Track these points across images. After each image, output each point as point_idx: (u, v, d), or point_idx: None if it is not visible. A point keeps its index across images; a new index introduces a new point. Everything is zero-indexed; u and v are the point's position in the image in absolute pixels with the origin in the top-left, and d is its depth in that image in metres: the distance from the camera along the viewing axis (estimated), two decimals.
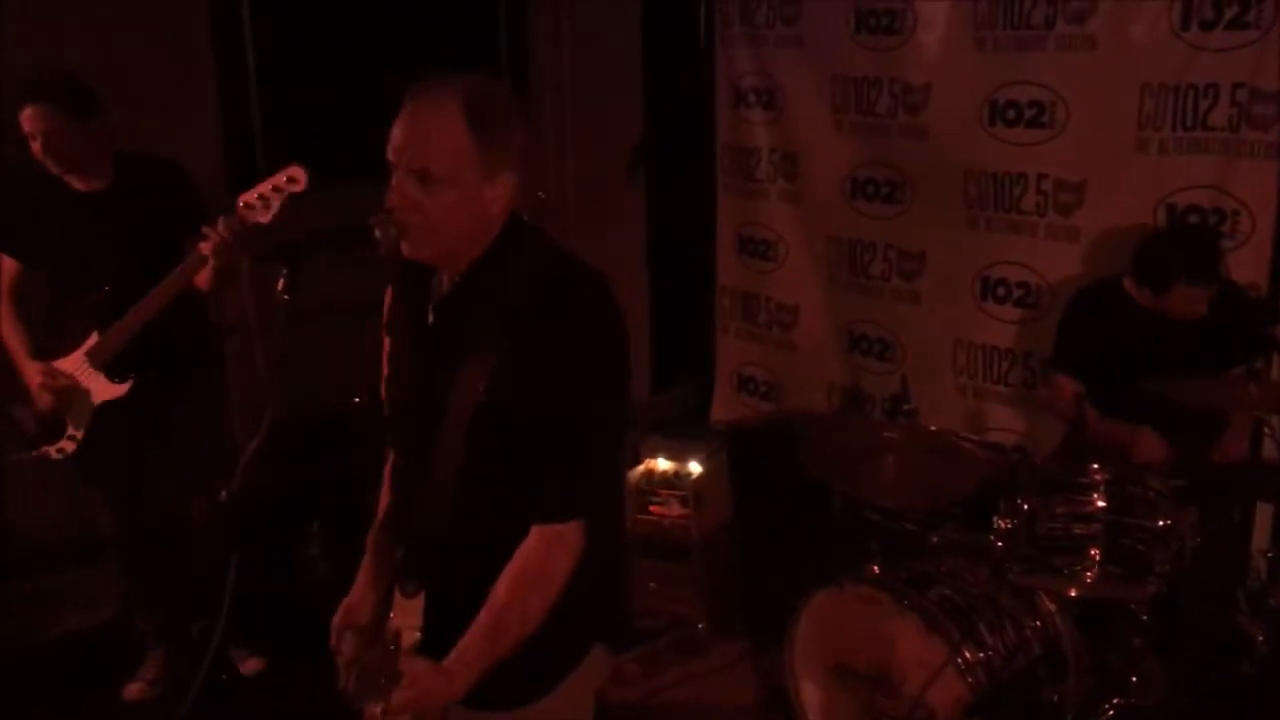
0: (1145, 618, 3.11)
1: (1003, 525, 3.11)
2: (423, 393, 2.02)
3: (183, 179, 3.57)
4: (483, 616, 1.90)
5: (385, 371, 2.10)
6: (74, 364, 3.41)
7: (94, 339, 3.39)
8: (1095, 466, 3.08)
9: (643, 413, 4.56)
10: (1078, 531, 3.06)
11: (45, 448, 3.49)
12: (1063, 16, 3.91)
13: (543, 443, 1.90)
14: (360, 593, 2.16)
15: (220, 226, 3.01)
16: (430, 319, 2.04)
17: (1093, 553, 3.03)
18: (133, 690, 3.81)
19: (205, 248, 3.05)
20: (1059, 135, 3.99)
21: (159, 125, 3.80)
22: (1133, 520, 3.03)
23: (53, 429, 3.46)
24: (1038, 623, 3.12)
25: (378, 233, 1.90)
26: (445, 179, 1.89)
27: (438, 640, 1.91)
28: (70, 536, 4.44)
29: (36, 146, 3.27)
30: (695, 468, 4.18)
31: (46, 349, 3.45)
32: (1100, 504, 3.04)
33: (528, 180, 2.00)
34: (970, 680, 2.97)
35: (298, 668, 2.20)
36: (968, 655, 2.98)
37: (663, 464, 4.20)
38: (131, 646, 3.94)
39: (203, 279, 3.26)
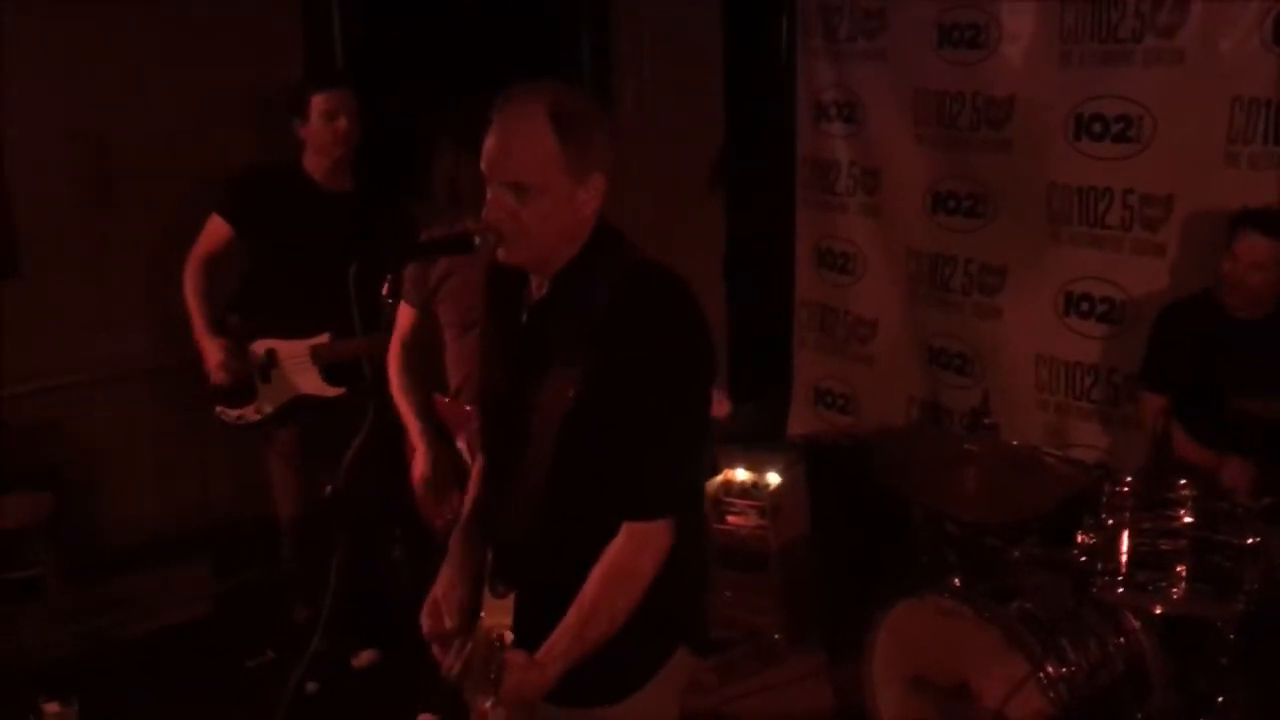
0: (1232, 636, 3.06)
1: (1087, 540, 3.09)
2: (513, 395, 2.08)
3: (405, 206, 3.79)
4: (572, 612, 1.95)
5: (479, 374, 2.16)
6: (294, 351, 3.64)
7: (324, 339, 3.61)
8: (1182, 482, 3.05)
9: (720, 425, 4.58)
10: (1164, 548, 3.02)
11: (225, 409, 3.69)
12: (1151, 30, 3.87)
13: (631, 443, 1.95)
14: (444, 588, 2.20)
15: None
16: (524, 322, 2.09)
17: (1179, 569, 3.00)
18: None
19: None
20: (1146, 149, 3.95)
21: (254, 139, 3.95)
22: (1220, 537, 2.98)
23: (242, 394, 3.65)
24: (1122, 639, 3.10)
25: (477, 240, 1.97)
26: (538, 188, 1.95)
27: (528, 640, 1.95)
28: (160, 536, 4.60)
29: (335, 127, 3.57)
30: (773, 479, 4.19)
31: (264, 326, 3.65)
32: (1187, 520, 3.00)
33: (613, 184, 2.06)
34: (1051, 696, 2.95)
35: (408, 662, 2.28)
36: (1050, 670, 2.96)
37: (741, 475, 4.23)
38: (225, 639, 4.07)
39: None
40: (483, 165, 1.98)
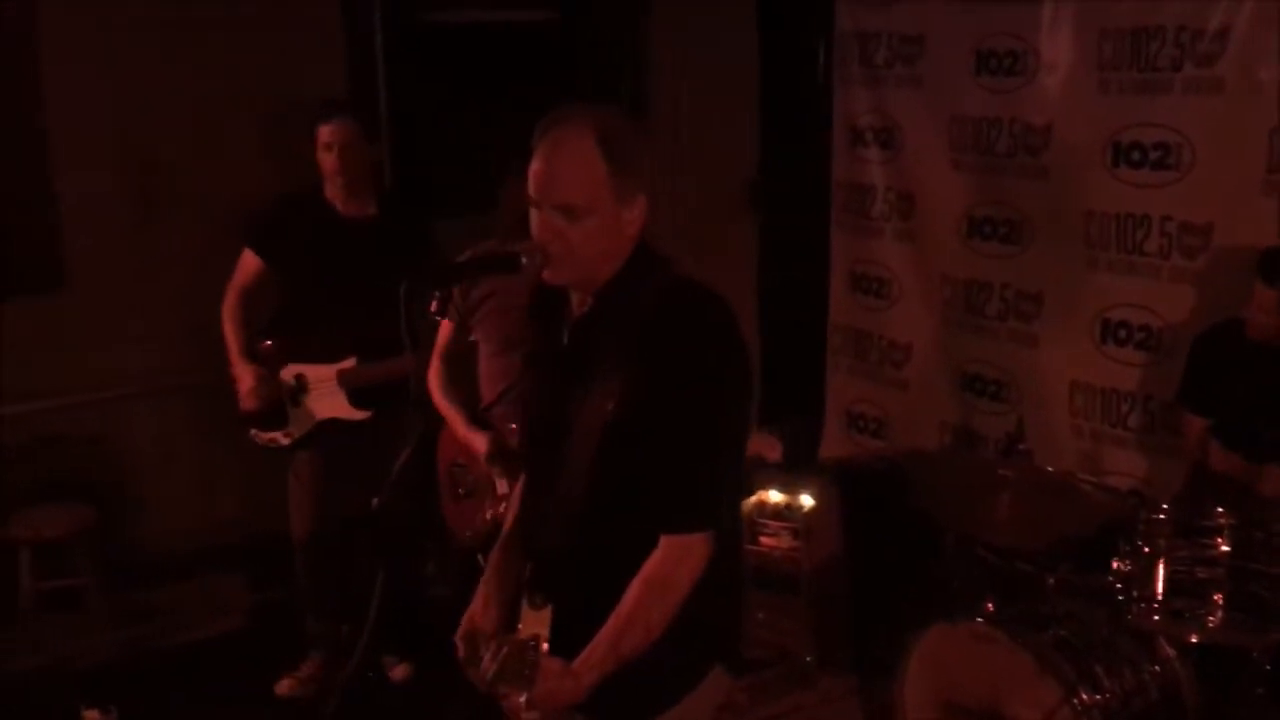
0: (1269, 667, 3.04)
1: (1123, 567, 3.09)
2: (555, 411, 2.11)
3: (428, 226, 3.89)
4: (609, 623, 1.97)
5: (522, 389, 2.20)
6: (321, 375, 3.72)
7: (351, 363, 3.69)
8: (1220, 510, 3.04)
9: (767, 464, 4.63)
10: (1200, 576, 3.01)
11: (258, 432, 3.79)
12: (1190, 59, 3.88)
13: (669, 457, 1.97)
14: (482, 605, 2.22)
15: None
16: (565, 339, 2.13)
17: (1216, 598, 2.99)
18: (284, 685, 3.99)
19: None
20: (1184, 177, 3.95)
21: (300, 159, 4.02)
22: (1258, 566, 2.97)
23: (273, 418, 3.76)
24: (1157, 668, 3.09)
25: (524, 259, 2.01)
26: (586, 209, 1.98)
27: (564, 652, 1.97)
28: (199, 548, 4.66)
29: (332, 158, 3.63)
30: (807, 501, 4.20)
31: (294, 352, 3.74)
32: (1224, 548, 2.99)
33: (666, 204, 2.10)
34: None
35: (442, 675, 2.30)
36: (1083, 697, 2.95)
37: (774, 496, 4.24)
38: (259, 653, 4.11)
39: None
40: (530, 188, 2.01)
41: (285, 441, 3.81)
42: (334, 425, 3.78)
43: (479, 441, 3.27)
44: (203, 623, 4.42)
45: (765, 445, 4.19)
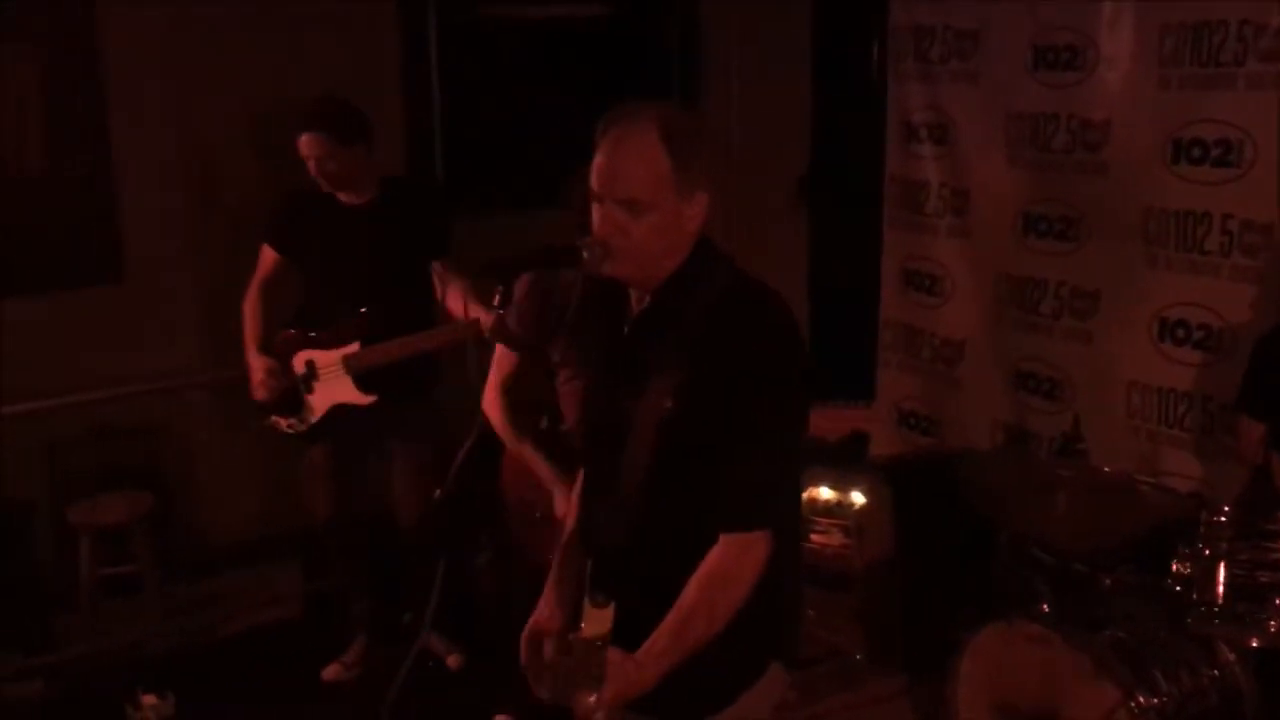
0: None
1: (1182, 570, 3.05)
2: (613, 406, 2.12)
3: (435, 201, 3.97)
4: (671, 614, 1.97)
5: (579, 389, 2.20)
6: (329, 360, 3.76)
7: (355, 348, 3.72)
8: None
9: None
10: (1262, 579, 2.97)
11: (277, 419, 3.87)
12: (1254, 54, 3.81)
13: (728, 454, 1.97)
14: (548, 608, 2.22)
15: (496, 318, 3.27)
16: (625, 334, 2.13)
17: (1277, 602, 2.94)
18: (331, 670, 4.07)
19: (484, 326, 3.41)
20: (1246, 174, 3.89)
21: None
22: None
23: (290, 404, 3.83)
24: (1216, 672, 3.04)
25: (585, 254, 2.01)
26: (650, 204, 1.98)
27: (627, 648, 1.97)
28: (256, 537, 4.72)
29: (311, 168, 3.69)
30: (858, 498, 4.19)
31: (305, 340, 3.81)
32: None
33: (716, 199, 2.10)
34: None
35: (494, 665, 2.33)
36: (1141, 700, 2.92)
37: (825, 493, 4.22)
38: (315, 641, 4.18)
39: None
40: (593, 182, 2.02)
41: (303, 427, 3.87)
42: (346, 413, 3.81)
43: (561, 499, 3.16)
44: (258, 611, 4.48)
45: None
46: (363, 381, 3.76)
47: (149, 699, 3.84)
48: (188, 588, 4.50)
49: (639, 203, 1.98)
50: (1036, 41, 4.45)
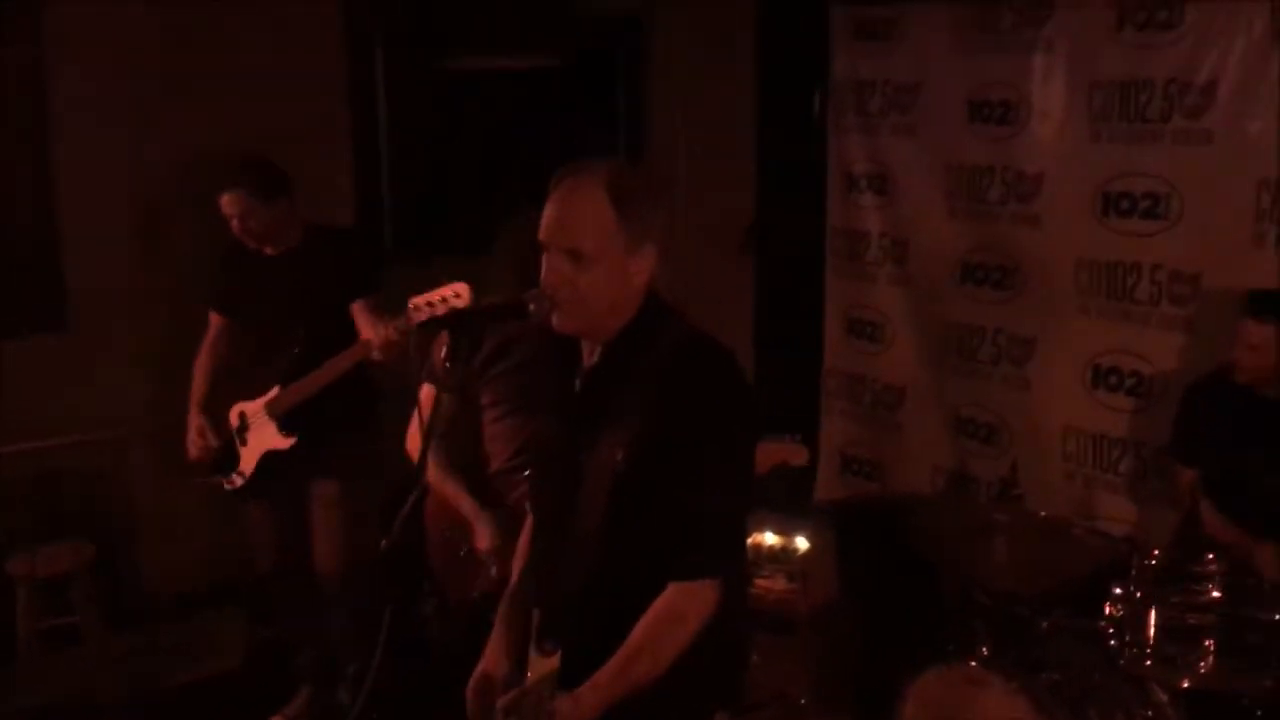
0: (1260, 713, 3.07)
1: (1115, 612, 3.11)
2: (565, 458, 2.15)
3: (358, 246, 3.99)
4: (617, 654, 2.01)
5: (531, 438, 2.24)
6: (254, 409, 3.79)
7: (275, 392, 3.75)
8: (1210, 557, 3.07)
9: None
10: (1192, 621, 3.03)
11: (219, 476, 3.89)
12: (1179, 111, 3.97)
13: (680, 506, 2.01)
14: (493, 660, 2.25)
15: (389, 328, 3.40)
16: (577, 388, 2.17)
17: (1207, 643, 3.01)
18: None
19: (374, 344, 3.46)
20: (1174, 227, 4.03)
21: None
22: (1249, 612, 3.00)
23: (228, 461, 3.85)
24: (1149, 713, 3.09)
25: (532, 306, 2.06)
26: (594, 256, 2.04)
27: None
28: (201, 586, 4.67)
29: (234, 225, 3.72)
30: (802, 543, 4.23)
31: (238, 393, 3.85)
32: (1215, 595, 3.02)
33: (665, 254, 2.15)
34: None
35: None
36: None
37: (770, 538, 4.26)
38: (259, 692, 4.13)
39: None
40: (541, 233, 2.07)
41: (239, 482, 3.87)
42: (280, 462, 3.81)
43: (484, 531, 3.20)
44: (201, 661, 4.42)
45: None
46: (286, 425, 3.76)
47: None
48: (129, 638, 4.43)
49: (584, 254, 2.03)
50: (972, 96, 4.59)
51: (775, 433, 4.03)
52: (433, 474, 3.27)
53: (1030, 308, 4.52)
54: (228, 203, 3.70)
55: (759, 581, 4.20)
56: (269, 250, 3.82)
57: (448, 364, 2.03)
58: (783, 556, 4.21)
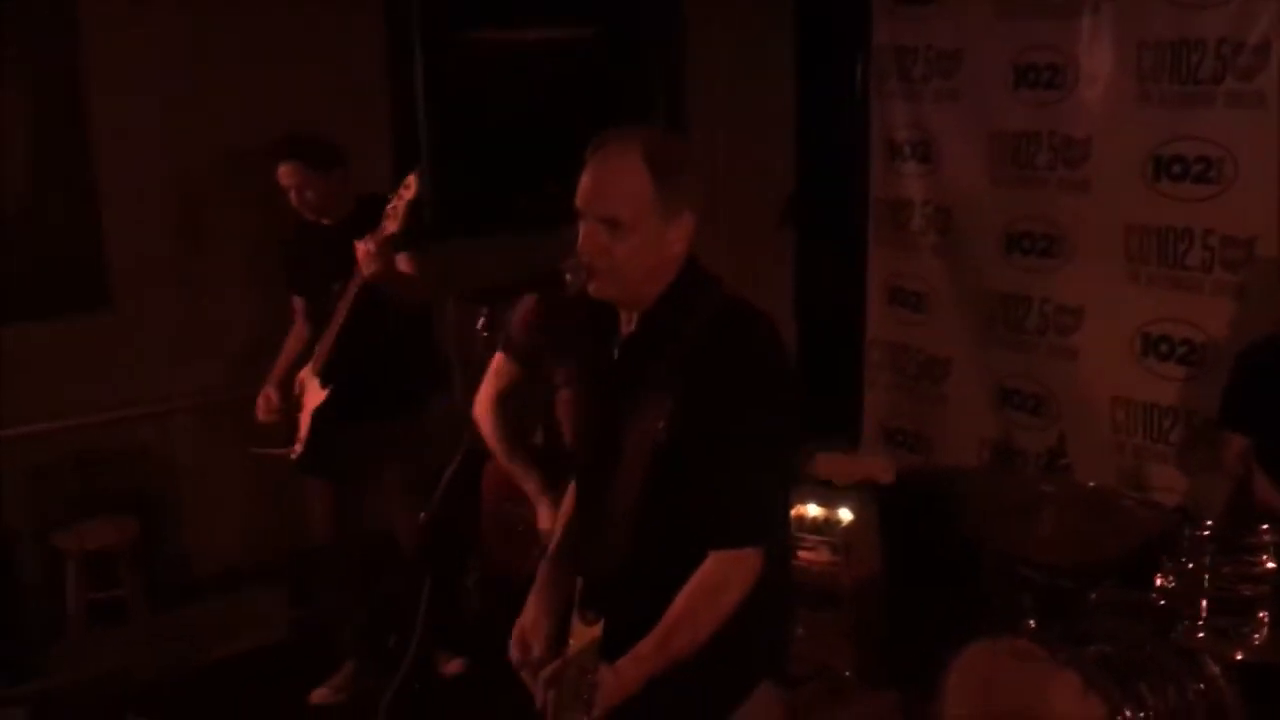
0: None
1: (1166, 584, 3.05)
2: (605, 427, 2.13)
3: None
4: (659, 625, 1.99)
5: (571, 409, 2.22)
6: (307, 373, 3.91)
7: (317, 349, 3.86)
8: (1265, 527, 3.00)
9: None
10: (1245, 592, 2.97)
11: (283, 450, 3.99)
12: (1232, 73, 3.86)
13: (719, 473, 1.98)
14: (532, 616, 2.25)
15: (368, 242, 3.48)
16: (615, 357, 2.14)
17: (1261, 615, 2.94)
18: (320, 694, 4.09)
19: (359, 261, 3.53)
20: (1226, 191, 3.93)
21: None
22: None
23: (291, 433, 3.95)
24: (1201, 686, 3.04)
25: (568, 276, 2.03)
26: (631, 224, 2.00)
27: None
28: (244, 561, 4.71)
29: (291, 197, 3.80)
30: (845, 515, 4.19)
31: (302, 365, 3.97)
32: (1270, 565, 2.95)
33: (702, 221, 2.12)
34: None
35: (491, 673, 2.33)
36: (1128, 715, 2.92)
37: (813, 510, 4.22)
38: (301, 666, 4.17)
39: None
40: (578, 201, 2.04)
41: (299, 449, 3.94)
42: (326, 419, 3.86)
43: (545, 514, 3.16)
44: (245, 636, 4.46)
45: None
46: (324, 378, 3.84)
47: None
48: (174, 613, 4.48)
49: (621, 222, 2.00)
50: (1017, 60, 4.49)
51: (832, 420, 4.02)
52: (498, 445, 3.25)
53: (1078, 276, 4.43)
54: (285, 174, 3.77)
55: (802, 554, 4.17)
56: (325, 221, 3.88)
57: (485, 334, 2.01)
58: (826, 529, 4.18)
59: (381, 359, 3.81)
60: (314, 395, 3.86)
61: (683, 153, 2.12)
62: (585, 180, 2.04)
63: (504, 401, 3.23)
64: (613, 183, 2.01)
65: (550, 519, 3.13)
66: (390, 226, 3.43)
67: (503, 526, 3.44)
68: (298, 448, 3.93)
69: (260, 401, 3.96)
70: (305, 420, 3.90)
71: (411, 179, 3.38)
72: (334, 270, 3.78)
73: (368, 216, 3.80)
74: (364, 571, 4.06)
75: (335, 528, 4.02)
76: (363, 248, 3.49)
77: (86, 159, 4.39)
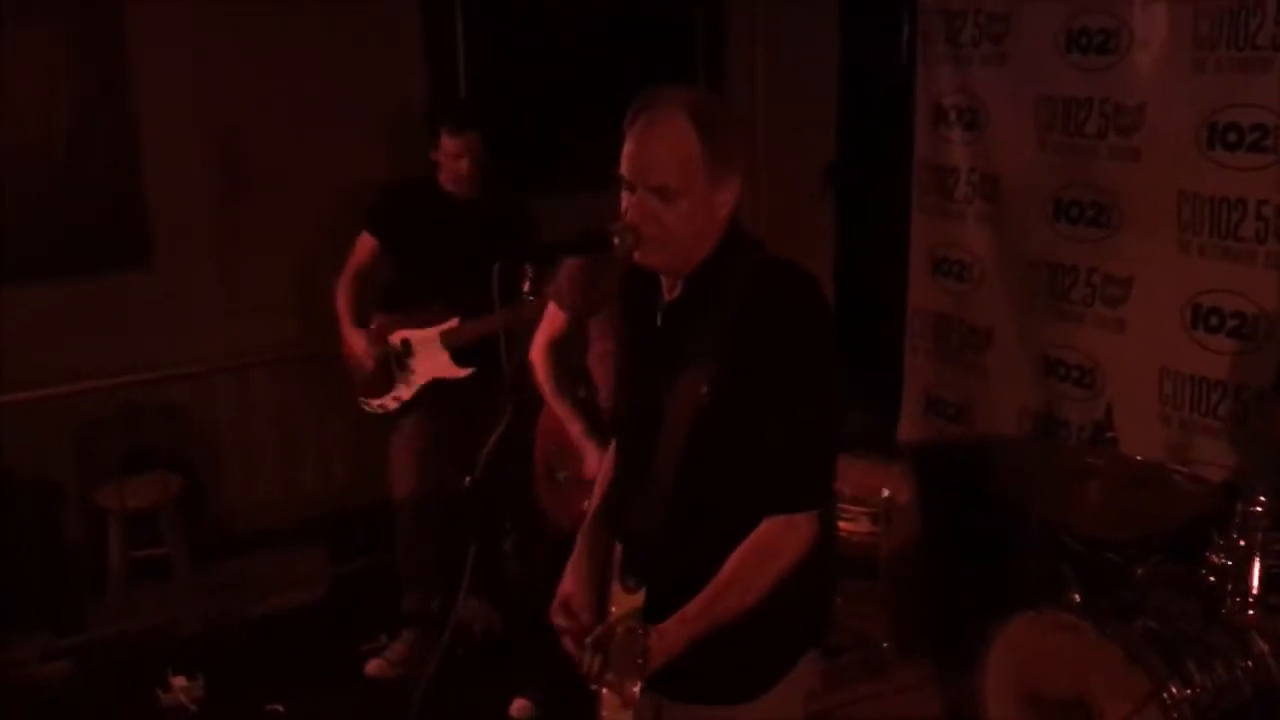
0: None
1: (1216, 560, 3.01)
2: (647, 393, 2.10)
3: (526, 206, 4.08)
4: (708, 587, 1.97)
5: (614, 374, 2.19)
6: (426, 337, 3.92)
7: (453, 323, 3.88)
8: None
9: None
10: None
11: (369, 400, 4.01)
12: None
13: (769, 438, 1.96)
14: (573, 583, 2.22)
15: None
16: (659, 322, 2.11)
17: None
18: (374, 666, 4.07)
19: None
20: None
21: (376, 140, 4.09)
22: None
23: (380, 386, 3.97)
24: (1250, 663, 3.01)
25: (616, 240, 1.99)
26: (681, 191, 1.97)
27: None
28: (283, 519, 4.75)
29: (463, 165, 3.84)
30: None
31: (402, 321, 3.97)
32: None
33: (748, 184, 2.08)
34: (1175, 717, 2.88)
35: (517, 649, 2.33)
36: (1174, 691, 2.89)
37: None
38: (342, 622, 4.23)
39: None
40: (624, 170, 2.00)
41: (394, 405, 3.98)
42: (439, 391, 3.93)
43: (591, 457, 3.24)
44: (285, 593, 4.50)
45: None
46: (458, 356, 3.89)
47: (179, 681, 3.87)
48: (215, 570, 4.52)
49: (671, 190, 1.96)
50: (1069, 24, 4.39)
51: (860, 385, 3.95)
52: (548, 385, 3.35)
53: (1127, 245, 4.34)
54: (469, 140, 3.82)
55: (841, 524, 4.15)
56: (453, 190, 3.90)
57: (530, 297, 1.99)
58: (865, 499, 4.15)
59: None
60: (442, 367, 3.90)
61: (729, 115, 2.08)
62: (631, 148, 1.99)
63: (556, 347, 3.34)
64: (661, 150, 1.96)
65: (596, 464, 3.18)
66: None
67: (547, 475, 3.49)
68: (392, 404, 3.97)
69: (356, 344, 3.96)
70: (415, 383, 3.94)
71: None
72: (461, 243, 3.78)
73: (499, 202, 3.93)
74: (438, 533, 4.01)
75: (420, 479, 3.98)
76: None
77: (129, 117, 4.40)
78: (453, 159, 3.85)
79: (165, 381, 4.48)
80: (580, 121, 4.96)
